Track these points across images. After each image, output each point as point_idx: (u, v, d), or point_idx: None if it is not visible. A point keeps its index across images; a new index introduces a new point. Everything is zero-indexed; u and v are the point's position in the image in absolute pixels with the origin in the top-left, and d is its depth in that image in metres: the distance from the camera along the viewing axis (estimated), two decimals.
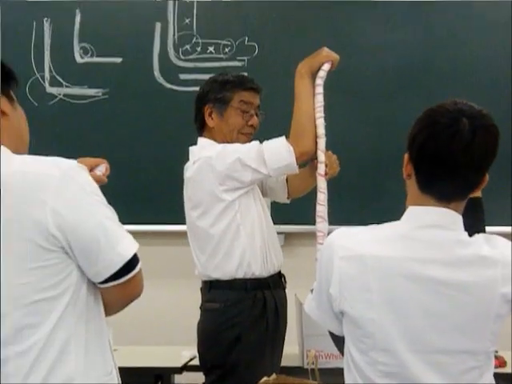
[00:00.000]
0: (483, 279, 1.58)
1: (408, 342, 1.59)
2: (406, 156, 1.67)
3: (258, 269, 2.66)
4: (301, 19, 3.94)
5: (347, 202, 3.78)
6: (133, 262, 1.64)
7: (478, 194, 1.81)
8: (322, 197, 2.60)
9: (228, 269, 2.65)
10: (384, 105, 3.83)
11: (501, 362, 3.08)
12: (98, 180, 2.03)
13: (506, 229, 3.64)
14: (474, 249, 1.59)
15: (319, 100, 2.60)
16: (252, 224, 2.67)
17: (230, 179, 2.60)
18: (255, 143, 2.64)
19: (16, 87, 1.77)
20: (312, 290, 1.79)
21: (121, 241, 1.63)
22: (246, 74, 3.80)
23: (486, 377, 1.63)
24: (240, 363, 2.62)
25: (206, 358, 2.74)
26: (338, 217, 3.65)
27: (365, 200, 3.77)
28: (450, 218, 1.63)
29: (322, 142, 2.60)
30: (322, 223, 2.58)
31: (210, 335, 2.69)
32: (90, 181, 1.65)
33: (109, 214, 1.65)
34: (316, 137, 2.60)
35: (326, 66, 2.61)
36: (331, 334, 1.80)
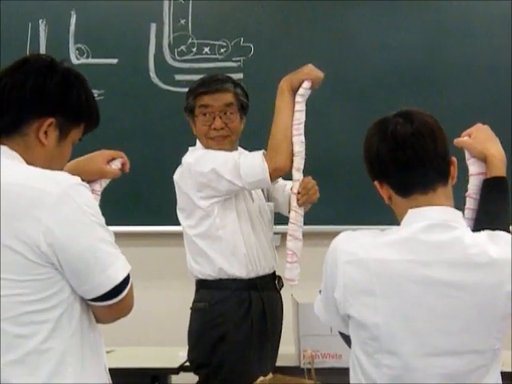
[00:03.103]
0: (488, 279, 1.58)
1: (414, 344, 1.60)
2: (376, 183, 1.73)
3: (243, 272, 2.67)
4: (297, 19, 3.95)
5: (348, 203, 3.81)
6: (122, 286, 1.64)
7: (501, 172, 1.84)
8: (294, 215, 2.58)
9: (209, 270, 2.68)
10: (384, 106, 3.79)
11: None
12: (112, 173, 2.04)
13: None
14: (479, 249, 1.60)
15: (297, 117, 2.55)
16: (233, 228, 2.68)
17: (206, 187, 2.62)
18: (234, 154, 2.64)
19: (90, 130, 1.80)
20: (320, 291, 1.80)
21: (112, 264, 1.62)
22: (241, 74, 3.84)
23: (492, 373, 1.63)
24: (225, 363, 2.64)
25: (192, 358, 2.77)
26: (338, 218, 3.70)
27: (366, 201, 3.77)
28: (450, 215, 1.66)
29: (297, 160, 2.55)
30: (291, 241, 2.57)
31: (195, 334, 2.72)
32: (89, 200, 1.63)
33: (103, 236, 1.63)
34: (292, 154, 2.56)
35: (306, 84, 2.54)
36: (341, 333, 1.81)
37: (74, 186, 1.61)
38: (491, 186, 1.84)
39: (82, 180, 1.68)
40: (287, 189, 2.88)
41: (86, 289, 1.62)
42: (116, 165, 2.08)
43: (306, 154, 2.57)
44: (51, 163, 1.70)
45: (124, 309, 1.69)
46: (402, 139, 1.65)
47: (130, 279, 1.67)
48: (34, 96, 1.66)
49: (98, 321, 1.72)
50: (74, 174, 1.70)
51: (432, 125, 1.69)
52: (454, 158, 1.71)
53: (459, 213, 1.69)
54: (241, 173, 2.56)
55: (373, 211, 3.59)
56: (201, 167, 2.61)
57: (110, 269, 1.62)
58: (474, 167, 1.88)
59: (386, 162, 1.67)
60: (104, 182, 2.06)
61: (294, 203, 2.59)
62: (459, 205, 1.76)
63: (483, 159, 1.87)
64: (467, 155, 1.89)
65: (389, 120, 1.70)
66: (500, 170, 1.85)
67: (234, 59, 3.95)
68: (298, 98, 2.57)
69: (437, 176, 1.67)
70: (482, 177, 1.88)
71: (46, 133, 1.68)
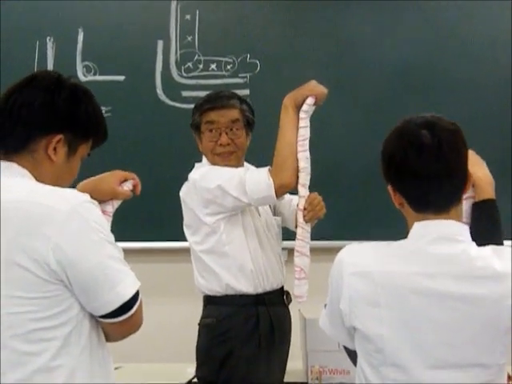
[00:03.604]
0: (493, 292, 1.58)
1: (419, 357, 1.59)
2: (390, 187, 1.71)
3: (250, 288, 2.67)
4: (303, 35, 3.96)
5: (354, 217, 3.81)
6: (131, 303, 1.64)
7: (490, 195, 1.86)
8: (300, 231, 2.58)
9: (217, 286, 2.68)
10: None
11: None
12: (124, 194, 2.03)
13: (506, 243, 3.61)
14: (484, 263, 1.60)
15: (302, 133, 2.56)
16: (240, 244, 2.68)
17: (212, 204, 2.62)
18: (240, 171, 2.64)
19: (98, 145, 1.81)
20: (325, 305, 1.80)
21: (121, 281, 1.63)
22: (248, 90, 3.85)
23: None
24: (232, 379, 2.63)
25: (201, 374, 2.74)
26: (344, 233, 3.69)
27: (371, 216, 3.77)
28: (456, 229, 1.65)
29: (303, 176, 2.55)
30: (299, 257, 2.56)
31: (203, 351, 2.71)
32: (98, 217, 1.64)
33: (112, 253, 1.64)
34: (298, 170, 2.55)
35: (310, 100, 2.55)
36: (345, 347, 1.81)
37: (83, 203, 1.61)
38: (480, 210, 1.86)
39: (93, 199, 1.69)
40: (293, 203, 2.88)
41: (95, 306, 1.62)
42: (128, 186, 2.07)
43: (310, 169, 2.58)
44: (60, 179, 1.71)
45: (133, 325, 1.70)
46: (427, 155, 1.62)
47: (140, 296, 1.67)
48: (43, 113, 1.67)
49: (108, 338, 1.72)
50: (86, 193, 1.72)
51: (457, 141, 1.66)
52: (470, 173, 1.69)
53: (465, 226, 1.69)
54: (246, 189, 2.56)
55: (378, 225, 3.60)
56: (207, 183, 2.61)
57: (119, 286, 1.62)
58: None
59: (406, 174, 1.65)
60: (116, 203, 2.05)
61: (300, 219, 2.58)
62: None
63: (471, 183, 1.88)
64: None
65: (413, 130, 1.66)
66: (488, 192, 1.87)
67: (240, 75, 3.96)
68: (302, 115, 2.57)
69: (453, 197, 1.67)
70: (470, 200, 1.89)
71: (55, 149, 1.69)
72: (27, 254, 1.54)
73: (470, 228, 1.84)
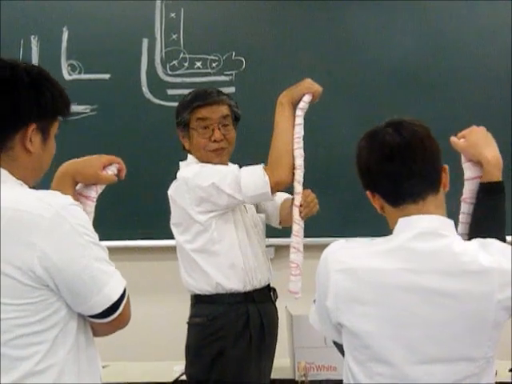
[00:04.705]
0: (479, 288, 1.59)
1: (406, 352, 1.60)
2: (368, 193, 1.74)
3: (240, 285, 2.67)
4: (288, 33, 3.97)
5: (341, 215, 3.81)
6: (118, 303, 1.64)
7: (496, 178, 1.84)
8: (297, 228, 2.59)
9: (206, 285, 2.67)
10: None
11: None
12: (108, 179, 2.00)
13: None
14: (470, 257, 1.61)
15: (297, 131, 2.58)
16: (231, 241, 2.68)
17: (205, 202, 2.61)
18: (234, 168, 2.64)
19: (65, 119, 1.77)
20: (314, 301, 1.81)
21: (108, 283, 1.63)
22: (233, 88, 3.85)
23: (485, 382, 1.63)
24: (224, 378, 2.62)
25: (190, 373, 2.74)
26: (331, 230, 3.70)
27: (359, 213, 3.77)
28: (439, 224, 1.67)
29: (298, 173, 2.57)
30: (294, 254, 2.58)
31: (193, 349, 2.70)
32: (82, 219, 1.62)
33: (98, 254, 1.63)
34: (293, 168, 2.58)
35: (307, 98, 2.58)
36: (335, 342, 1.82)
37: (66, 206, 1.59)
38: (484, 192, 1.85)
39: (78, 182, 1.70)
40: (276, 200, 2.90)
41: (83, 308, 1.63)
42: (112, 170, 2.02)
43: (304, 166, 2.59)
44: (42, 166, 1.71)
45: (121, 322, 1.70)
46: (389, 150, 1.66)
47: (126, 293, 1.67)
48: (10, 109, 1.63)
49: (96, 334, 1.72)
50: (69, 174, 1.79)
51: (422, 134, 1.69)
52: (445, 166, 1.72)
53: (450, 221, 1.70)
54: (241, 186, 2.56)
55: (365, 223, 3.60)
56: (200, 181, 2.60)
57: (105, 288, 1.62)
58: (469, 171, 1.89)
59: (375, 174, 1.69)
60: (100, 188, 2.01)
61: (296, 216, 2.59)
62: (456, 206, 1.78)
63: (479, 162, 1.87)
64: (463, 158, 1.90)
65: (378, 130, 1.71)
66: (493, 175, 1.85)
67: (225, 73, 3.96)
68: (298, 112, 2.59)
69: (426, 186, 1.68)
70: (477, 181, 1.87)
71: (30, 140, 1.65)
72: (11, 262, 1.53)
73: (473, 209, 1.85)
